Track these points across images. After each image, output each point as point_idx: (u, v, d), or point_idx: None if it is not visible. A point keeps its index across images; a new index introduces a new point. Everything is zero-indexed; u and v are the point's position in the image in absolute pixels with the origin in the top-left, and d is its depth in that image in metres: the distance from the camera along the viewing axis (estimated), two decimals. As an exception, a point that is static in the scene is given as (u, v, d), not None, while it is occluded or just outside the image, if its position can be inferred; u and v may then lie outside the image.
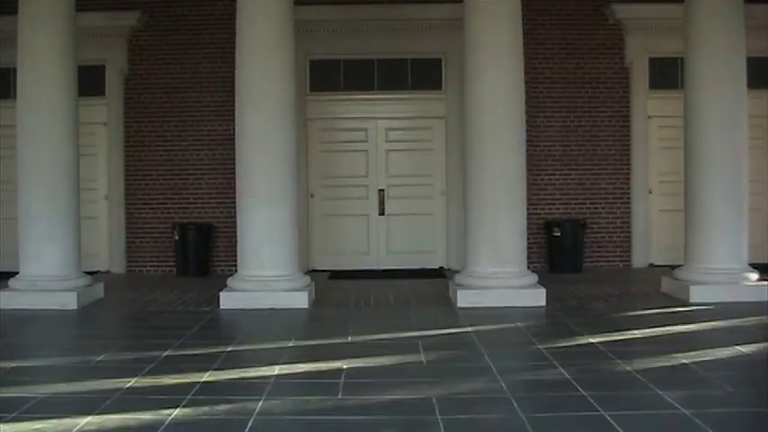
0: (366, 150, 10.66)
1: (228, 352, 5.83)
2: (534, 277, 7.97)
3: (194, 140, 10.63)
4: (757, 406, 4.33)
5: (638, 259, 10.69)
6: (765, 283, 7.82)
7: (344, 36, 10.49)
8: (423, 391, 4.61)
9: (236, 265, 8.21)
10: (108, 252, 10.74)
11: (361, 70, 10.74)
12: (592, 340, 6.03)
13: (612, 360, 5.37)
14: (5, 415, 4.15)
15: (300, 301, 7.73)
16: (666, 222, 10.46)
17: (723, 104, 7.85)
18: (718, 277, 7.76)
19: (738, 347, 5.82)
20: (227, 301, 7.73)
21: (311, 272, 10.01)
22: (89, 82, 9.91)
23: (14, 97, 8.26)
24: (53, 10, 7.88)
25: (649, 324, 6.67)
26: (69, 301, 7.70)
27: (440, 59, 10.72)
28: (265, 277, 7.76)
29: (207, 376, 5.01)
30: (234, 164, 8.30)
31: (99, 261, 10.60)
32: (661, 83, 10.59)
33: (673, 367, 5.19)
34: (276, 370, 5.20)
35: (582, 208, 10.64)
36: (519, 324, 6.73)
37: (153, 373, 5.11)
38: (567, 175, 10.62)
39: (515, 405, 4.33)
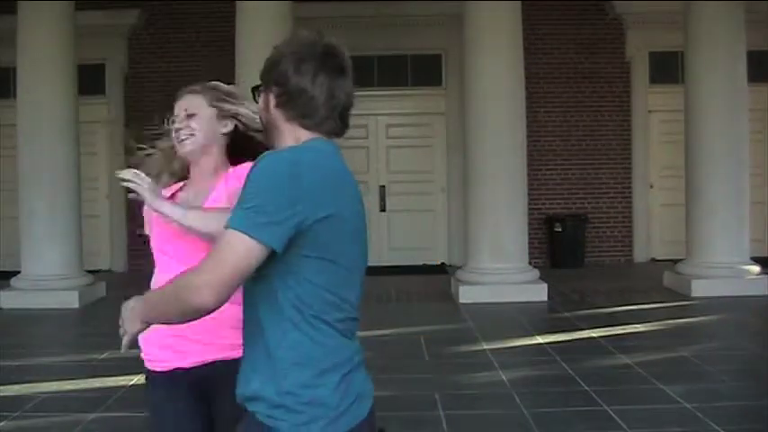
0: (366, 147, 10.64)
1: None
2: (536, 272, 7.97)
3: (195, 138, 10.62)
4: (758, 399, 4.34)
5: (640, 254, 10.68)
6: (767, 276, 7.83)
7: (344, 33, 10.38)
8: (425, 386, 4.62)
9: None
10: (109, 251, 10.74)
11: (361, 67, 10.50)
12: (594, 335, 6.03)
13: (614, 354, 5.38)
14: (10, 413, 4.16)
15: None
16: (668, 217, 10.44)
17: (723, 98, 7.84)
18: (719, 271, 7.75)
19: (740, 341, 5.82)
20: (229, 298, 7.72)
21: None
22: (89, 81, 9.89)
23: (14, 97, 8.25)
24: (53, 9, 7.87)
25: (651, 318, 6.67)
26: (71, 300, 7.71)
27: (440, 56, 10.70)
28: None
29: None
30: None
31: (100, 260, 10.59)
32: (661, 77, 10.56)
33: (674, 361, 5.19)
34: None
35: (583, 203, 10.63)
36: (521, 319, 6.73)
37: (156, 370, 5.11)
38: (567, 170, 10.60)
39: (518, 400, 4.33)
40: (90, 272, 8.51)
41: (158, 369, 2.13)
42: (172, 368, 2.09)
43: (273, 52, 1.70)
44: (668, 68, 10.45)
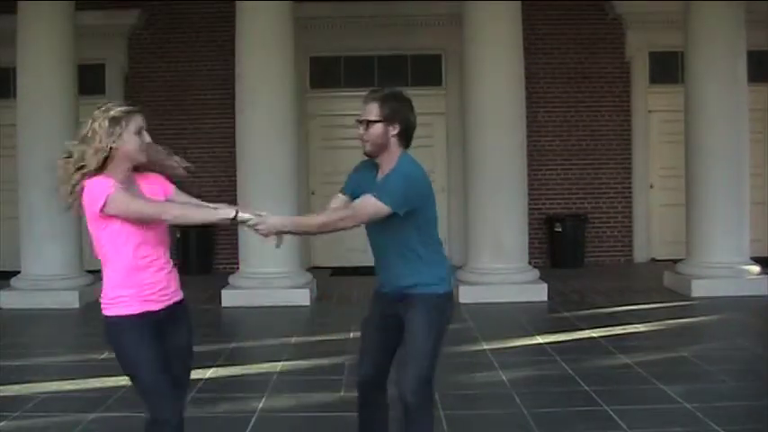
0: (366, 147, 10.63)
1: (231, 349, 5.84)
2: (536, 272, 7.97)
3: (195, 138, 10.60)
4: (759, 400, 4.34)
5: (640, 254, 10.68)
6: (767, 276, 7.83)
7: (344, 33, 10.47)
8: (425, 386, 4.61)
9: (237, 263, 8.21)
10: (110, 251, 10.73)
11: (361, 67, 10.72)
12: (594, 335, 6.04)
13: (614, 354, 5.38)
14: (10, 413, 4.16)
15: (302, 297, 7.74)
16: (668, 217, 10.44)
17: (723, 98, 7.84)
18: (719, 271, 7.75)
19: (740, 341, 5.82)
20: (229, 298, 7.74)
21: (313, 269, 10.00)
22: (89, 81, 9.87)
23: (14, 97, 8.25)
24: (52, 9, 7.87)
25: (651, 318, 6.67)
26: (71, 300, 7.71)
27: (440, 56, 10.70)
28: (267, 274, 7.75)
29: (210, 373, 5.01)
30: (235, 161, 8.30)
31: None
32: (661, 77, 10.56)
33: (674, 361, 5.19)
34: (278, 367, 5.21)
35: (583, 203, 10.63)
36: (521, 319, 6.74)
37: (156, 370, 5.11)
38: (567, 170, 10.60)
39: (518, 400, 4.34)
40: (90, 272, 8.50)
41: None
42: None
43: (391, 105, 2.99)
44: (668, 68, 10.45)
